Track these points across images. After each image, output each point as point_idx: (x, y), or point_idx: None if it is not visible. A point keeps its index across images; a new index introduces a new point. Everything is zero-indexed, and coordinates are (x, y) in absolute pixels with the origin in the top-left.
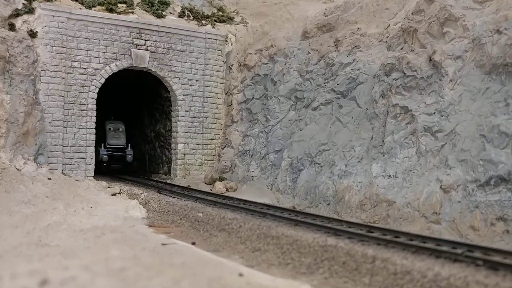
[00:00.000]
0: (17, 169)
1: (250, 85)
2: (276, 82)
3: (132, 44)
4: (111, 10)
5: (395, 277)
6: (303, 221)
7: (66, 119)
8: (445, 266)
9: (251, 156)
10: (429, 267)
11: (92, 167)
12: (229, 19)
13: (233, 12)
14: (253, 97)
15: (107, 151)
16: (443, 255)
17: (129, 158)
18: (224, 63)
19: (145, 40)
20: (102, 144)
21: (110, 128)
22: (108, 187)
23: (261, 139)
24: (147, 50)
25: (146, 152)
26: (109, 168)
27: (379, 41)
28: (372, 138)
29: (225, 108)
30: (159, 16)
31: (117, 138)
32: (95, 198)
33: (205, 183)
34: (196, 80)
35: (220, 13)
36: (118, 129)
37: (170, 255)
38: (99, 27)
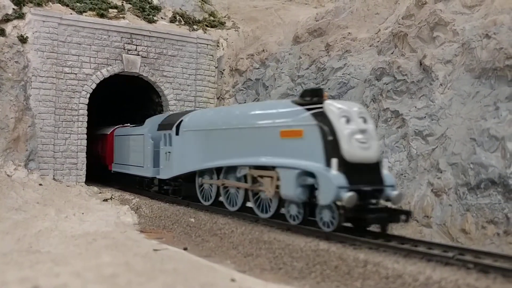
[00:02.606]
0: (8, 175)
1: (242, 89)
2: (267, 86)
3: (123, 49)
4: (102, 15)
5: (386, 281)
6: (295, 226)
7: (57, 125)
8: (437, 270)
9: None
10: (420, 270)
11: (83, 172)
12: (220, 24)
13: (225, 17)
14: (245, 102)
15: (346, 175)
16: (434, 259)
17: (394, 194)
18: (216, 68)
19: (136, 45)
20: (335, 161)
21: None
22: (100, 192)
23: None
24: (138, 55)
25: None
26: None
27: (370, 46)
28: None
29: None
30: (150, 21)
31: (365, 145)
32: (87, 203)
33: None
34: (188, 85)
35: (212, 18)
36: (364, 120)
37: (162, 261)
38: (90, 32)
